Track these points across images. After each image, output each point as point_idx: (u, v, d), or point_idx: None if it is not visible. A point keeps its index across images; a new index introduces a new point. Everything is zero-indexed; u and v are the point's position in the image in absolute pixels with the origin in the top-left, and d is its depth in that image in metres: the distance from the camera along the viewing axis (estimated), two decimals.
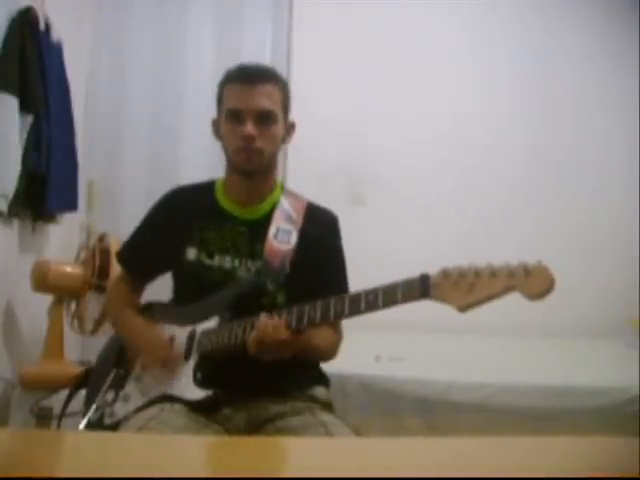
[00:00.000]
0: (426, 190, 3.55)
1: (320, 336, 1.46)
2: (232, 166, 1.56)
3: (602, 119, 3.65)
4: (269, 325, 1.32)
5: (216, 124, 1.59)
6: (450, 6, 3.60)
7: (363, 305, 1.26)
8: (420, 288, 1.19)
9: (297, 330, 1.33)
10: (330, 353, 1.56)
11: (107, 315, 2.07)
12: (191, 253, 1.53)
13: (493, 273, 1.13)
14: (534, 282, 1.11)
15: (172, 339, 1.51)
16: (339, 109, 3.49)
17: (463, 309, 1.15)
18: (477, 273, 1.15)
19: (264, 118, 1.49)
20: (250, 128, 1.47)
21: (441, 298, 1.17)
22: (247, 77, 1.51)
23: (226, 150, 1.55)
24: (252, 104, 1.48)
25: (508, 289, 1.13)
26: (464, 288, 1.15)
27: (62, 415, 1.65)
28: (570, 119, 3.64)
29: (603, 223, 3.55)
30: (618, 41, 3.63)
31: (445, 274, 1.18)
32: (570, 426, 2.23)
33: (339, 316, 1.30)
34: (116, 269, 1.78)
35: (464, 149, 3.59)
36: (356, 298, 1.27)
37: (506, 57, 3.64)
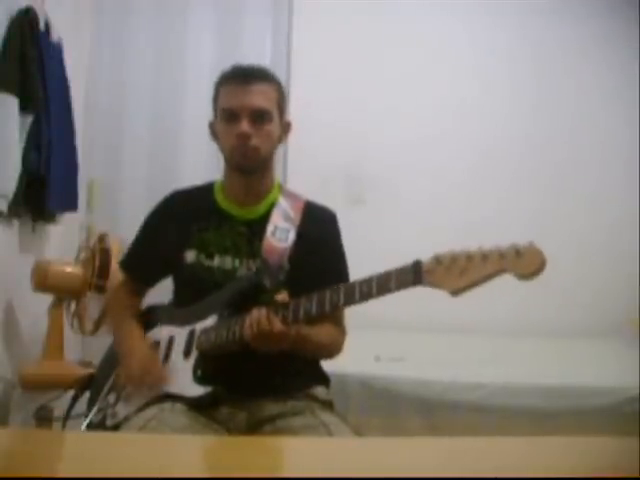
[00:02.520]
0: (425, 190, 3.56)
1: (322, 331, 1.46)
2: (229, 165, 1.56)
3: (601, 118, 3.65)
4: (262, 316, 1.32)
5: (212, 126, 1.60)
6: (450, 6, 3.60)
7: (357, 294, 1.27)
8: (413, 274, 1.21)
9: (294, 322, 1.34)
10: (333, 349, 1.56)
11: (106, 321, 2.07)
12: (190, 255, 1.53)
13: (484, 256, 1.15)
14: (525, 262, 1.13)
15: (168, 346, 1.50)
16: (339, 109, 3.49)
17: (456, 293, 1.16)
18: (469, 257, 1.16)
19: (259, 116, 1.50)
20: (245, 126, 1.48)
21: (434, 283, 1.19)
22: (241, 76, 1.52)
23: (223, 150, 1.55)
24: (247, 102, 1.49)
25: (500, 271, 1.14)
26: (456, 272, 1.16)
27: (67, 418, 1.65)
28: (569, 118, 3.64)
29: (603, 222, 3.55)
30: (618, 40, 3.63)
31: (437, 260, 1.19)
32: (570, 426, 2.23)
33: (335, 306, 1.31)
34: (116, 270, 1.78)
35: (463, 149, 3.59)
36: (351, 288, 1.29)
37: (505, 57, 3.64)
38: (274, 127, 1.53)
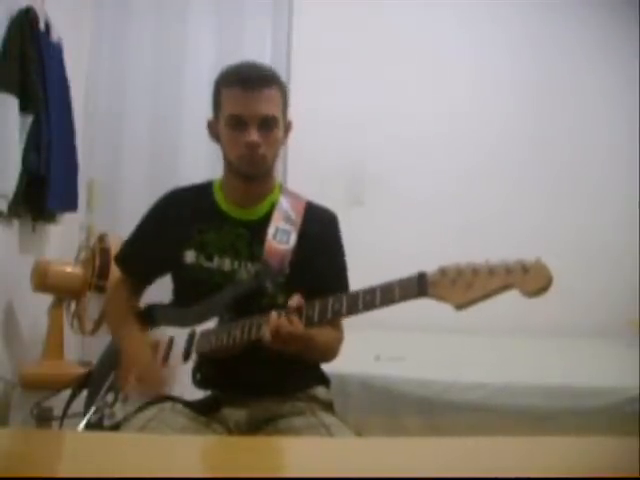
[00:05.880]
0: (425, 190, 3.56)
1: (322, 335, 1.45)
2: (233, 171, 1.53)
3: (602, 118, 3.65)
4: (283, 319, 1.31)
5: (212, 125, 1.57)
6: (450, 6, 3.60)
7: (361, 304, 1.25)
8: (417, 286, 1.19)
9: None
10: (332, 352, 1.55)
11: (105, 320, 2.07)
12: (189, 256, 1.52)
13: (491, 271, 1.13)
14: (532, 279, 1.10)
15: (167, 348, 1.50)
16: (339, 109, 3.49)
17: (460, 307, 1.14)
18: (475, 271, 1.14)
19: (267, 124, 1.47)
20: (255, 135, 1.44)
21: (438, 296, 1.17)
22: (249, 82, 1.46)
23: (227, 155, 1.53)
24: (256, 110, 1.45)
25: (506, 287, 1.12)
26: (462, 286, 1.14)
27: (64, 416, 1.65)
28: (570, 118, 3.65)
29: (603, 223, 3.55)
30: (618, 40, 3.63)
31: (443, 272, 1.17)
32: (570, 426, 2.23)
33: (337, 315, 1.30)
34: (116, 270, 1.77)
35: (463, 149, 3.59)
36: (354, 297, 1.27)
37: (505, 56, 3.64)
38: (280, 132, 1.51)
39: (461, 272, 1.15)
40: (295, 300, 1.34)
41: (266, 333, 1.31)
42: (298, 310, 1.32)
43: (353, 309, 1.27)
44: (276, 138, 1.50)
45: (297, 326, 1.30)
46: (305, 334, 1.31)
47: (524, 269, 1.11)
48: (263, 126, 1.46)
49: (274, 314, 1.32)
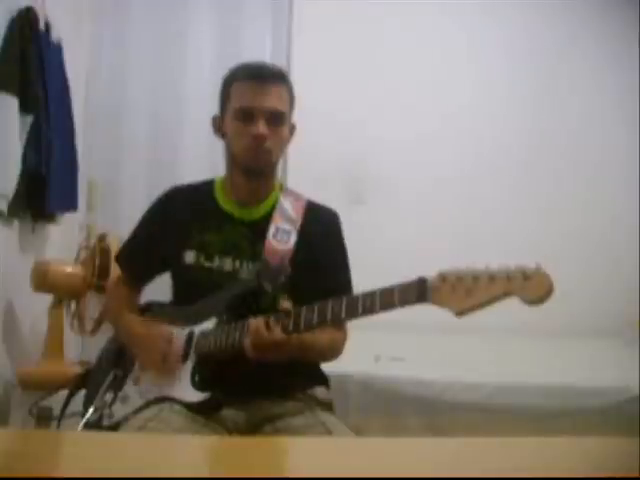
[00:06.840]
0: (426, 190, 3.55)
1: (323, 336, 1.45)
2: (237, 165, 1.54)
3: (601, 119, 3.65)
4: (262, 327, 1.31)
5: (217, 121, 1.58)
6: (450, 6, 3.60)
7: (360, 309, 1.25)
8: (417, 292, 1.18)
9: (295, 331, 1.32)
10: (334, 352, 1.55)
11: (106, 316, 2.07)
12: (189, 256, 1.52)
13: (491, 278, 1.12)
14: (532, 287, 1.09)
15: (172, 335, 1.50)
16: (339, 109, 3.49)
17: (461, 314, 1.14)
18: (475, 277, 1.13)
19: (275, 119, 1.48)
20: (262, 128, 1.46)
21: (439, 302, 1.16)
22: (259, 76, 1.49)
23: (232, 148, 1.53)
24: (265, 104, 1.47)
25: (506, 294, 1.11)
26: (462, 292, 1.13)
27: (62, 416, 1.65)
28: (569, 119, 3.64)
29: (602, 223, 3.55)
30: (617, 40, 3.63)
31: (443, 278, 1.16)
32: (570, 426, 2.23)
33: (336, 319, 1.29)
34: (116, 269, 1.78)
35: (464, 149, 3.59)
36: (353, 301, 1.27)
37: (505, 56, 3.64)
38: (286, 130, 1.53)
39: (461, 278, 1.14)
40: (284, 305, 1.35)
41: (247, 342, 1.31)
42: (287, 316, 1.32)
43: (352, 313, 1.26)
44: (283, 134, 1.51)
45: (274, 333, 1.30)
46: (286, 340, 1.31)
47: (525, 276, 1.10)
48: (271, 120, 1.47)
49: (252, 321, 1.32)
